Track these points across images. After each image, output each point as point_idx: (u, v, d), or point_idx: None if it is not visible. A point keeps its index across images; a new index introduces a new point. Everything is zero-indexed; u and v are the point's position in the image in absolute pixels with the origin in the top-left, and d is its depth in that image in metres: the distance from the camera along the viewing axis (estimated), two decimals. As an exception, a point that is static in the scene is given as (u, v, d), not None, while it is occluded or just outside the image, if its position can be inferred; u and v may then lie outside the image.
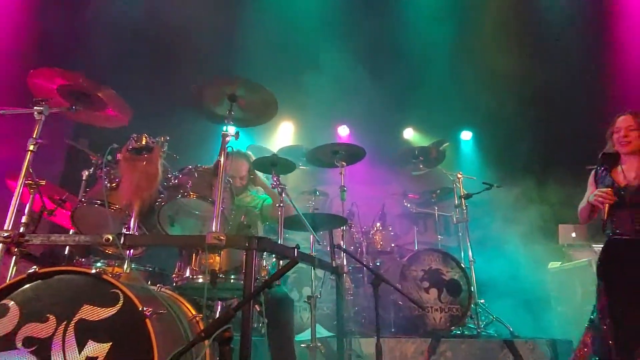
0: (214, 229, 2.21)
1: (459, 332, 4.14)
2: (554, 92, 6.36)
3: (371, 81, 6.42)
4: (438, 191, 5.20)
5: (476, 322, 4.17)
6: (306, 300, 2.99)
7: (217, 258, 2.45)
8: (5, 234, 2.09)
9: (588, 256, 4.81)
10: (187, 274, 2.47)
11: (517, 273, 5.28)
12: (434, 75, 6.38)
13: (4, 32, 4.61)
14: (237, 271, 2.52)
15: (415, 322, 4.07)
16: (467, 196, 4.75)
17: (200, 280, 2.40)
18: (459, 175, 4.86)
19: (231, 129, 2.57)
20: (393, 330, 4.12)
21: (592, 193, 2.76)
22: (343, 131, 6.98)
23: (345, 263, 3.91)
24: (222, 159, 2.32)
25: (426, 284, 4.21)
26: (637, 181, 2.71)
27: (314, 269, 3.01)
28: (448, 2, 6.60)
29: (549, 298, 5.23)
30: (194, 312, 2.29)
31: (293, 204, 2.81)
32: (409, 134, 7.33)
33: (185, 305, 2.34)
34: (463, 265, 4.37)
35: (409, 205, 5.21)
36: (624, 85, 5.56)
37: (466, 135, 7.33)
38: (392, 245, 4.89)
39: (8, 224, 2.16)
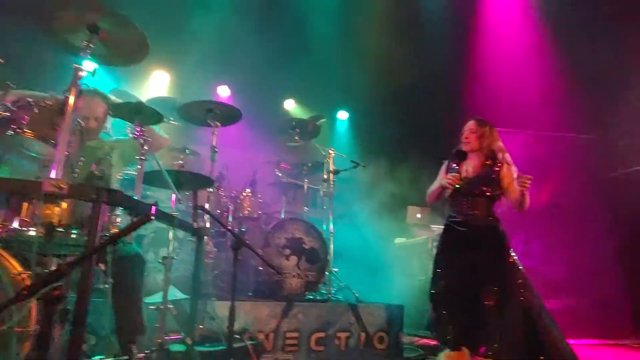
0: (53, 175, 1.92)
1: (311, 297, 4.42)
2: (423, 84, 6.99)
3: (258, 47, 6.25)
4: (310, 164, 5.38)
5: (328, 289, 4.50)
6: (161, 261, 2.84)
7: (56, 209, 2.14)
8: None
9: (428, 235, 5.55)
10: (15, 224, 2.12)
11: (368, 245, 5.84)
12: (321, 53, 6.49)
13: None
14: (81, 226, 2.25)
15: (273, 287, 4.21)
16: (336, 172, 5.00)
17: (33, 234, 2.08)
18: (331, 152, 5.08)
19: (89, 65, 2.24)
20: (250, 293, 4.21)
21: (443, 178, 3.30)
22: (223, 91, 6.69)
23: (208, 226, 3.83)
24: (70, 96, 2.01)
25: (287, 252, 4.36)
26: (472, 175, 3.26)
27: (173, 228, 2.86)
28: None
29: (391, 269, 5.92)
30: (19, 269, 1.98)
31: (157, 159, 2.60)
32: (290, 105, 7.39)
33: (9, 261, 2.01)
34: (323, 236, 4.64)
35: (280, 174, 5.29)
36: (480, 92, 6.39)
37: (343, 115, 7.69)
38: (260, 212, 4.93)
39: None
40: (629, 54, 5.39)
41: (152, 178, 2.79)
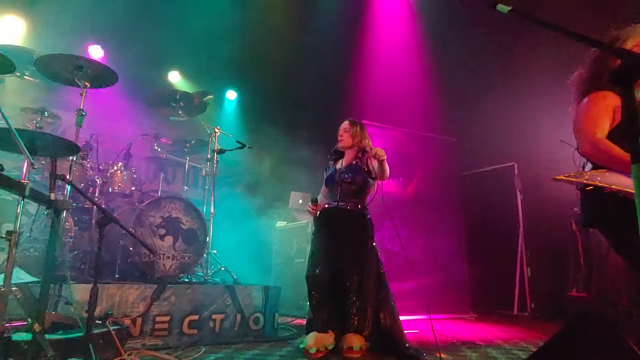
0: None
1: (187, 279, 4.23)
2: (311, 71, 7.13)
3: (143, 9, 5.67)
4: (193, 142, 5.12)
5: (205, 271, 4.36)
6: (4, 236, 2.41)
7: None
8: None
9: (307, 219, 5.73)
10: None
11: (250, 228, 5.81)
12: (212, 29, 6.15)
13: None
14: None
15: (143, 269, 3.92)
16: (220, 151, 4.83)
17: None
18: (216, 130, 4.90)
19: None
20: (117, 276, 3.85)
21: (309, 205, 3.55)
22: (96, 52, 5.90)
23: (69, 199, 3.38)
24: None
25: (162, 231, 4.09)
26: (343, 167, 3.59)
27: (23, 200, 2.45)
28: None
29: (272, 252, 5.98)
30: None
31: (3, 112, 2.17)
32: (175, 77, 6.90)
33: None
34: (203, 217, 4.46)
35: (159, 149, 4.92)
36: (362, 85, 6.76)
37: (231, 94, 7.46)
38: (133, 189, 4.53)
39: None
40: (486, 63, 6.25)
41: (-4, 138, 2.34)
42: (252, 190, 6.30)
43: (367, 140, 3.62)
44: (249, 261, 5.32)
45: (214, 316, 3.63)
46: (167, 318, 3.41)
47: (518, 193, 6.61)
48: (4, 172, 2.17)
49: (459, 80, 6.37)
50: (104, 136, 4.49)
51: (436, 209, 6.28)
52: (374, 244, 3.47)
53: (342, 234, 3.38)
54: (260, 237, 5.92)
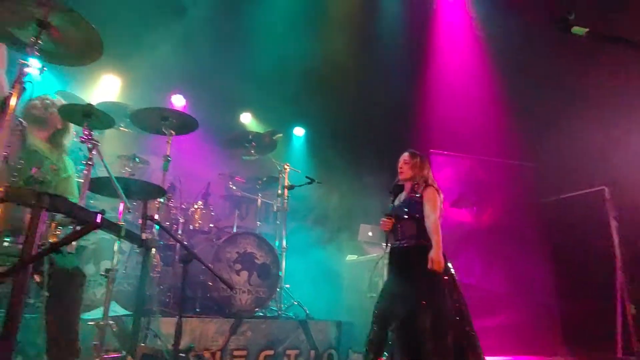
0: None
1: (261, 313, 4.33)
2: (377, 104, 7.21)
3: (216, 58, 6.18)
4: (264, 179, 5.34)
5: (278, 305, 4.44)
6: (103, 273, 2.67)
7: (-10, 214, 1.97)
8: None
9: (379, 252, 5.64)
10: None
11: (320, 262, 5.83)
12: (279, 69, 6.53)
13: None
14: (15, 233, 2.08)
15: (221, 303, 4.08)
16: (290, 187, 5.00)
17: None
18: (286, 167, 5.09)
19: (36, 62, 2.11)
20: (198, 310, 4.05)
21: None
22: (178, 101, 6.51)
23: (157, 238, 3.67)
24: (13, 94, 1.87)
25: (238, 267, 4.27)
26: (401, 201, 3.49)
27: (119, 240, 2.71)
28: (301, 4, 6.83)
29: (342, 286, 5.93)
30: (-60, 278, 1.79)
31: (105, 163, 2.46)
32: (246, 118, 7.33)
33: None
34: (276, 252, 4.59)
35: (234, 188, 5.20)
36: (431, 114, 6.68)
37: (299, 131, 7.75)
38: (211, 225, 4.81)
39: None
40: (563, 87, 5.89)
41: (99, 185, 2.64)
42: (321, 223, 6.37)
43: (427, 172, 3.51)
44: (320, 295, 5.31)
45: (288, 351, 3.66)
46: (244, 352, 3.50)
47: (612, 220, 6.00)
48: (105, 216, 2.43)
49: (532, 102, 6.06)
50: (186, 177, 4.85)
51: (516, 239, 5.89)
52: (446, 277, 3.28)
53: (405, 274, 3.25)
54: (331, 271, 5.91)
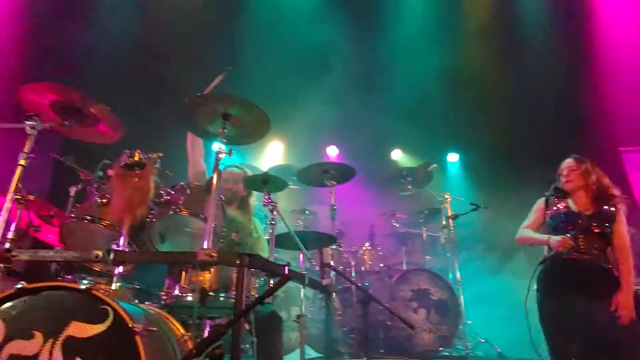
0: (205, 245, 2.20)
1: (447, 353, 4.13)
2: (533, 113, 6.54)
3: (359, 102, 6.55)
4: (426, 212, 5.27)
5: (464, 343, 4.17)
6: (295, 319, 2.97)
7: (207, 275, 2.43)
8: (-8, 249, 2.05)
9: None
10: (176, 291, 2.44)
11: (504, 291, 5.31)
12: (425, 101, 6.54)
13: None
14: (226, 289, 2.50)
15: (403, 343, 4.06)
16: (455, 217, 4.81)
17: (190, 299, 2.37)
18: (447, 196, 4.93)
19: (224, 147, 2.60)
20: (382, 351, 4.10)
21: (551, 238, 2.92)
22: (332, 151, 7.06)
23: (335, 283, 3.91)
24: (214, 175, 2.33)
25: (415, 305, 4.21)
26: (589, 211, 2.94)
27: (303, 287, 2.99)
28: (436, 27, 6.81)
29: (535, 316, 5.25)
30: (182, 331, 2.25)
31: (285, 221, 2.82)
32: (397, 155, 7.44)
33: (174, 324, 2.30)
34: (451, 286, 4.39)
35: (397, 225, 5.25)
36: (600, 111, 5.74)
37: (453, 157, 7.48)
38: (381, 265, 4.91)
39: (-5, 239, 2.13)
40: None
41: (281, 240, 3.02)
42: (495, 250, 5.87)
43: (607, 180, 3.02)
44: (509, 330, 4.80)
45: (485, 395, 3.37)
46: (437, 395, 3.36)
47: None
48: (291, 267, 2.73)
49: None
50: (350, 221, 5.13)
51: None
52: None
53: (596, 295, 2.72)
54: (518, 300, 5.31)
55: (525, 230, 3.19)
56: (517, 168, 6.50)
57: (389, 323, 4.15)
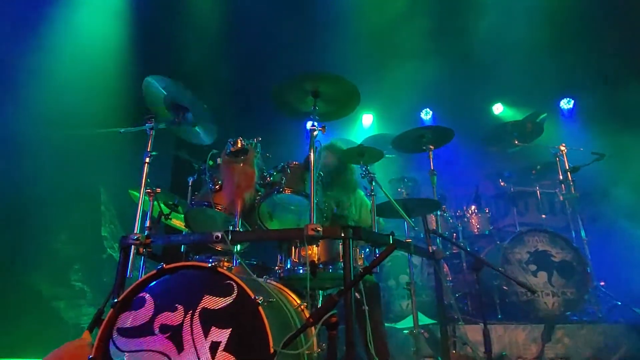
0: (310, 221, 2.30)
1: (576, 317, 3.81)
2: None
3: (449, 58, 6.12)
4: (538, 167, 4.80)
5: (597, 307, 3.80)
6: (405, 287, 2.98)
7: (315, 249, 2.55)
8: (135, 237, 2.40)
9: None
10: (289, 265, 2.61)
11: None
12: (521, 44, 5.87)
13: (111, 64, 5.23)
14: (334, 261, 2.59)
15: (523, 307, 3.83)
16: (575, 169, 4.32)
17: (302, 272, 2.52)
18: (562, 148, 4.43)
19: (318, 125, 2.65)
20: (500, 316, 3.92)
21: None
22: (426, 115, 6.77)
23: (441, 249, 3.82)
24: (311, 154, 2.40)
25: (533, 267, 3.93)
26: None
27: (410, 255, 2.98)
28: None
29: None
30: (298, 301, 2.41)
31: (384, 191, 2.81)
32: (499, 109, 6.85)
33: (290, 295, 2.47)
34: (575, 246, 4.00)
35: (505, 185, 4.88)
36: None
37: (566, 103, 6.65)
38: (491, 228, 4.65)
39: (136, 229, 2.48)
40: None
41: (383, 210, 3.02)
42: (628, 204, 5.15)
43: None
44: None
45: (625, 362, 3.06)
46: (566, 362, 3.14)
47: None
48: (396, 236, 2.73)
49: None
50: (453, 185, 4.91)
51: None
52: None
53: None
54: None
55: None
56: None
57: (505, 288, 3.94)
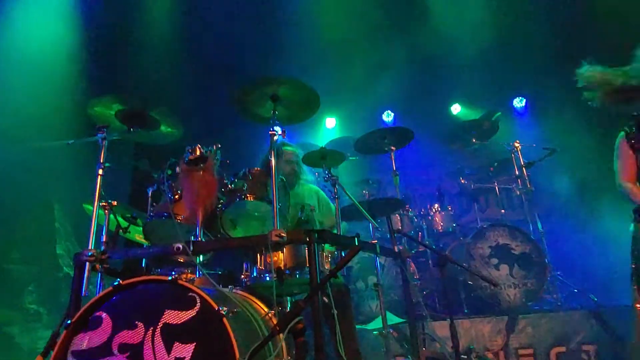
0: (274, 227, 2.27)
1: (537, 307, 3.95)
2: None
3: (408, 62, 6.26)
4: (495, 164, 4.98)
5: (555, 296, 3.96)
6: (373, 287, 2.99)
7: (281, 255, 2.51)
8: (89, 253, 2.28)
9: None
10: (255, 273, 2.56)
11: (595, 240, 4.93)
12: (477, 49, 6.09)
13: (60, 68, 4.97)
14: (301, 266, 2.57)
15: (488, 301, 3.94)
16: (529, 165, 4.50)
17: (268, 279, 2.47)
18: (517, 145, 4.61)
19: (277, 128, 2.63)
20: (466, 311, 4.02)
21: None
22: (387, 117, 6.88)
23: (408, 248, 3.87)
24: (272, 159, 2.37)
25: (495, 261, 4.05)
26: None
27: (377, 256, 3.00)
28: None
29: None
30: (266, 310, 2.37)
31: (348, 193, 2.81)
32: (457, 109, 7.06)
33: (257, 304, 2.42)
34: (533, 238, 4.16)
35: (465, 182, 5.03)
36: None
37: (519, 102, 6.94)
38: (454, 225, 4.76)
39: (91, 244, 2.35)
40: None
41: (347, 213, 3.02)
42: (580, 195, 5.42)
43: None
44: (607, 279, 4.46)
45: (584, 347, 3.19)
46: (530, 351, 3.26)
47: None
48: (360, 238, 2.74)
49: None
50: (416, 185, 5.01)
51: None
52: None
53: None
54: (612, 247, 4.90)
55: (629, 186, 2.63)
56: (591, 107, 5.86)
57: (470, 282, 4.04)
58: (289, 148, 3.43)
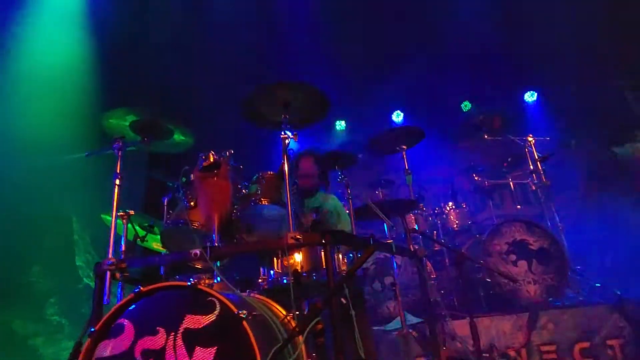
0: (289, 229, 2.28)
1: (558, 303, 3.88)
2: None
3: (417, 63, 6.24)
4: (509, 159, 4.92)
5: (576, 291, 3.89)
6: (390, 287, 2.98)
7: (298, 258, 2.52)
8: (110, 262, 2.32)
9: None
10: (272, 277, 2.58)
11: (615, 232, 4.83)
12: (486, 42, 6.05)
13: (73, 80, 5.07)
14: (317, 268, 2.57)
15: (507, 297, 3.88)
16: (543, 159, 4.44)
17: (286, 282, 2.48)
18: (530, 139, 4.56)
19: (290, 134, 2.64)
20: (485, 308, 3.97)
21: None
22: (397, 117, 6.87)
23: (424, 247, 3.84)
24: (284, 162, 2.39)
25: (513, 257, 4.00)
26: None
27: (393, 255, 2.99)
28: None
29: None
30: (284, 312, 2.37)
31: (362, 194, 2.81)
32: (467, 107, 7.01)
33: (275, 307, 2.43)
34: (551, 232, 4.10)
35: (479, 179, 4.98)
36: None
37: (530, 96, 6.87)
38: (469, 222, 4.72)
39: (110, 254, 2.40)
40: None
41: (362, 213, 3.02)
42: (600, 188, 5.32)
43: None
44: (631, 272, 4.37)
45: (608, 342, 3.13)
46: (552, 347, 3.20)
47: None
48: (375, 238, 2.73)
49: None
50: (429, 183, 4.98)
51: None
52: None
53: None
54: (635, 239, 4.79)
55: None
56: (605, 96, 5.78)
57: (488, 280, 3.99)
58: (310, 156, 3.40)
